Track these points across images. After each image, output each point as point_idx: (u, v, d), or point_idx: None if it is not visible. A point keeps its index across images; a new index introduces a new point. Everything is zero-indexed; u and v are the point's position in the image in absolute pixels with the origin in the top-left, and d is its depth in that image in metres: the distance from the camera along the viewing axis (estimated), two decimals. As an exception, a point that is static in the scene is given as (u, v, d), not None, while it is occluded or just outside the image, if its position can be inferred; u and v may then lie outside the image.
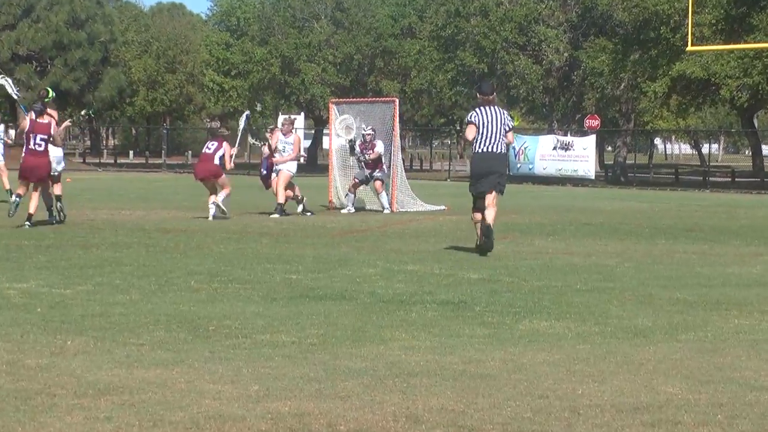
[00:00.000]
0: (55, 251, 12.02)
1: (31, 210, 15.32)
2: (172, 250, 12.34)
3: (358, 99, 36.29)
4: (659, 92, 43.05)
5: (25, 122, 15.85)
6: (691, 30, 29.52)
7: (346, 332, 7.15)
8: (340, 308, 8.18)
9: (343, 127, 21.41)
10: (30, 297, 8.51)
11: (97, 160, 62.79)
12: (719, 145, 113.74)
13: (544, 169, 43.63)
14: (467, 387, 5.59)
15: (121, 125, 79.76)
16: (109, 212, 19.10)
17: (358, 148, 20.88)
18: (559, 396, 5.42)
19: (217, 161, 18.02)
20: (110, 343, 6.66)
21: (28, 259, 11.14)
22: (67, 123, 18.17)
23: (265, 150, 19.87)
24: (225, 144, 18.26)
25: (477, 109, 12.77)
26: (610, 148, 68.02)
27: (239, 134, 21.05)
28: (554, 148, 43.50)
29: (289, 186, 19.36)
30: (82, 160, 62.11)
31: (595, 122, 46.29)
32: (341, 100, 29.92)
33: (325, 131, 47.28)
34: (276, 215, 18.58)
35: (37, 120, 15.57)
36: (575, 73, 49.31)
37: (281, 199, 18.92)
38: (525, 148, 44.27)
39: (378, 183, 20.74)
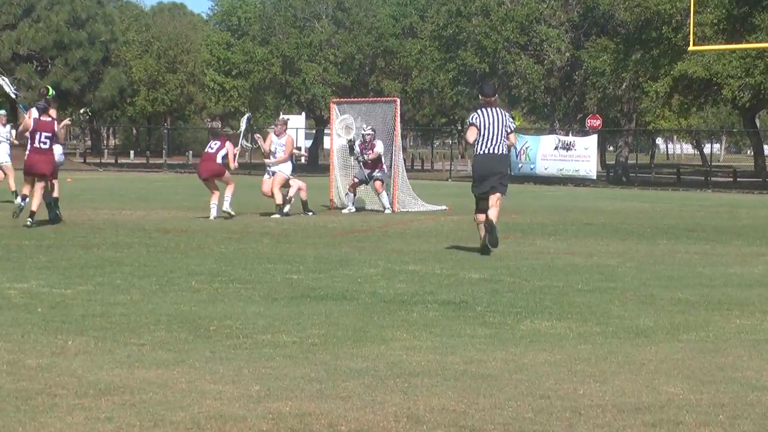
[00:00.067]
0: (56, 251, 12.02)
1: (33, 208, 15.31)
2: (172, 250, 12.33)
3: (359, 99, 36.27)
4: (661, 92, 43.06)
5: (28, 121, 15.83)
6: (693, 30, 29.52)
7: (348, 332, 7.14)
8: (341, 308, 8.17)
9: (342, 127, 21.38)
10: (30, 297, 8.50)
11: (98, 160, 62.78)
12: (721, 145, 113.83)
13: (545, 169, 43.62)
14: (468, 387, 5.59)
15: (121, 125, 79.79)
16: (109, 212, 19.10)
17: (357, 148, 20.86)
18: (560, 396, 5.42)
19: (219, 160, 18.05)
20: (111, 343, 6.65)
21: (29, 259, 11.13)
22: (66, 122, 18.15)
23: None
24: (228, 143, 18.28)
25: (478, 111, 12.76)
26: (611, 148, 68.13)
27: (240, 135, 21.04)
28: (556, 148, 43.49)
29: (285, 186, 19.36)
30: (82, 160, 62.14)
31: (597, 122, 46.30)
32: (342, 100, 29.88)
33: (326, 131, 47.32)
34: (277, 215, 18.58)
35: (41, 118, 15.57)
36: (577, 72, 49.31)
37: (279, 201, 18.93)
38: (527, 148, 44.26)
39: (378, 183, 20.73)
